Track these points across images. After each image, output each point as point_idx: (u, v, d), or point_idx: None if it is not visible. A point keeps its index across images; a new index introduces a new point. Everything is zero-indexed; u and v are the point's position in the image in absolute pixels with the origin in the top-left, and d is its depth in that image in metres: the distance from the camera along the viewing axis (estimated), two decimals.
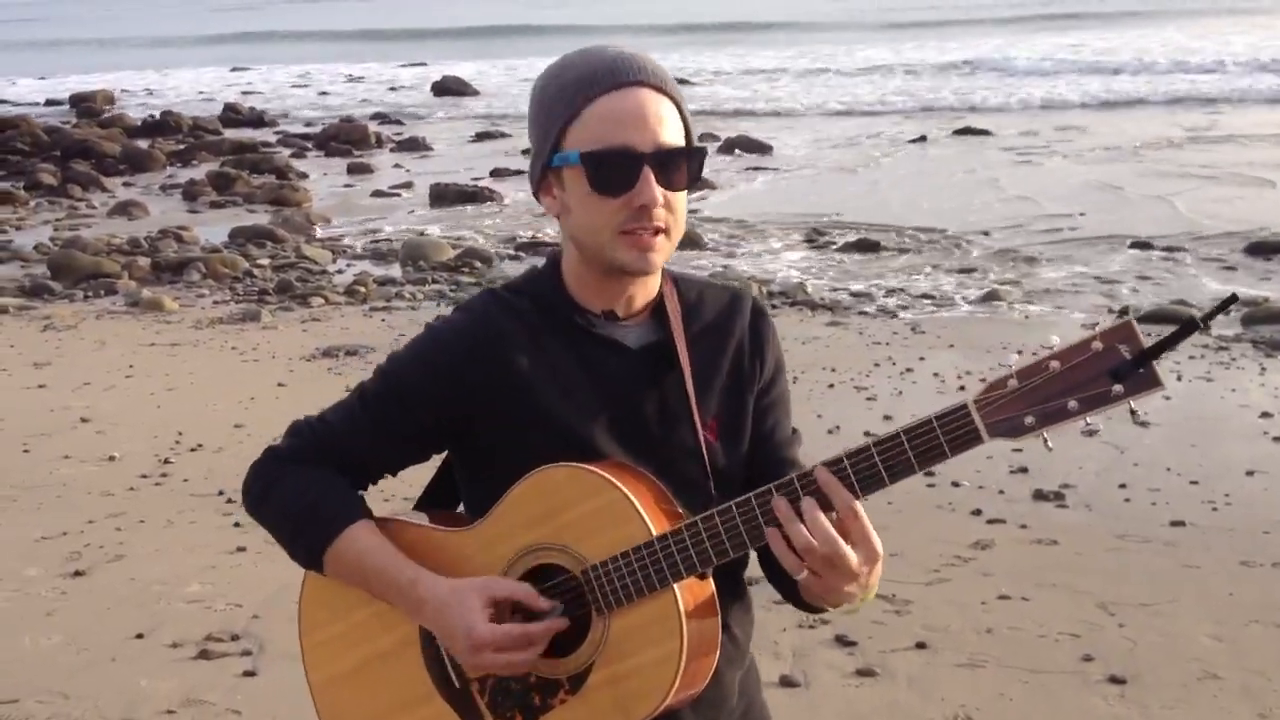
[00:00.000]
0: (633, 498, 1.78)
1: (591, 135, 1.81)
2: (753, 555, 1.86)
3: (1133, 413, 1.60)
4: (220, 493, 5.99)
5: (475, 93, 29.62)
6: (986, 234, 12.48)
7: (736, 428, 1.96)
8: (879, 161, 17.49)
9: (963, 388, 7.42)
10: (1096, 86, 24.90)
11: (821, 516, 1.69)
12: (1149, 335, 1.58)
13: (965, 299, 10.14)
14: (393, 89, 31.09)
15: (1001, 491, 5.86)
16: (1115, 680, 4.13)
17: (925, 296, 10.24)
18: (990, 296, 10.09)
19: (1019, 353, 1.64)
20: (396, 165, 18.94)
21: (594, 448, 1.87)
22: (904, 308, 9.87)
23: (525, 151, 20.45)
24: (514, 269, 11.94)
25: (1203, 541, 5.22)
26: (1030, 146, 17.96)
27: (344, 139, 21.09)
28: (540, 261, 2.03)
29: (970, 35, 37.00)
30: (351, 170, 18.47)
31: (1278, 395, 7.18)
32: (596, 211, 1.82)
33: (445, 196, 15.74)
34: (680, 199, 1.85)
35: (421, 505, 2.11)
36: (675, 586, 1.77)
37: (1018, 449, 6.34)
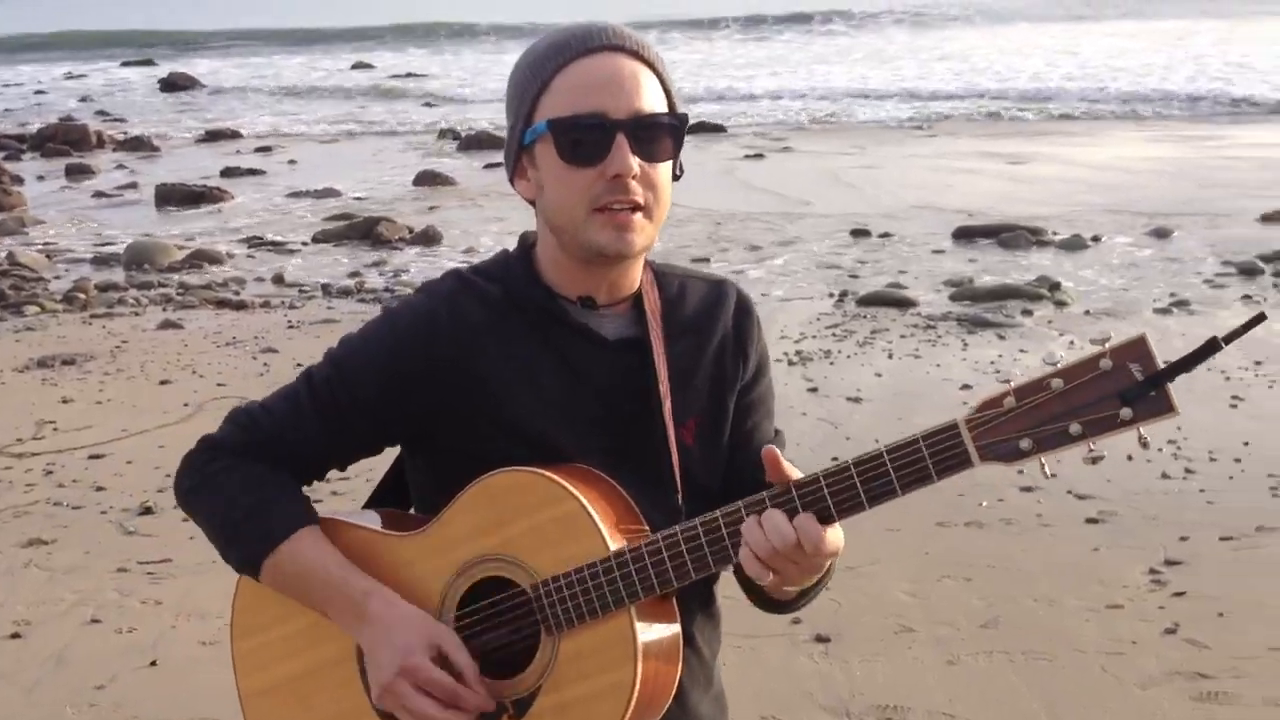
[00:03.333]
0: (591, 510, 1.64)
1: (562, 103, 1.67)
2: None
3: (1142, 440, 1.48)
4: None
5: (204, 87, 28.67)
6: (719, 223, 12.89)
7: (716, 430, 1.85)
8: None
9: None
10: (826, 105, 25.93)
11: (786, 525, 1.59)
12: (1162, 354, 1.47)
13: None
14: (117, 88, 29.78)
15: None
16: (821, 639, 4.37)
17: None
18: None
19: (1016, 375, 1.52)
20: (120, 166, 18.15)
21: (558, 448, 1.74)
22: None
23: (266, 160, 19.56)
24: (249, 266, 11.63)
25: (903, 506, 5.52)
26: (762, 143, 18.63)
27: (62, 139, 20.11)
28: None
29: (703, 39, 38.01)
30: (70, 172, 17.62)
31: (978, 369, 7.68)
32: (568, 186, 1.67)
33: (172, 197, 15.21)
34: (662, 173, 1.70)
35: (372, 504, 1.95)
36: (631, 608, 1.64)
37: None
